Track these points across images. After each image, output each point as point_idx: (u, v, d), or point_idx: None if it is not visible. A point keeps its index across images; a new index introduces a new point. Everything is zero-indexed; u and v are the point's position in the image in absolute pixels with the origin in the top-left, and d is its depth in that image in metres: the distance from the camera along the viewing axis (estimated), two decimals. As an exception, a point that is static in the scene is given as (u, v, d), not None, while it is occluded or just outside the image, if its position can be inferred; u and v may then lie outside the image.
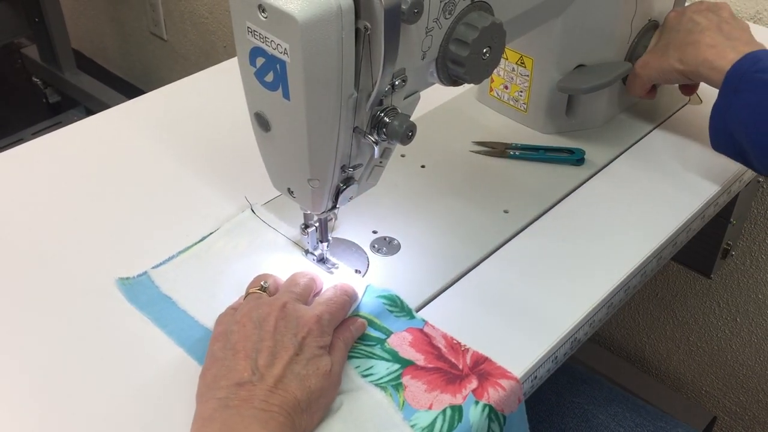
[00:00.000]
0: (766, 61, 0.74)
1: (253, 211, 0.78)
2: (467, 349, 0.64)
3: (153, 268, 0.72)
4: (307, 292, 0.65)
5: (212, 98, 0.98)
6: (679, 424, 0.88)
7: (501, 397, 0.61)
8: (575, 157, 0.87)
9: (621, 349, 1.53)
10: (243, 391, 0.55)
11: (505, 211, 0.80)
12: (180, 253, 0.74)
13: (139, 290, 0.70)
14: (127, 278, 0.71)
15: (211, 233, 0.76)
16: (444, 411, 0.60)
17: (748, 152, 0.75)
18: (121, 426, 0.60)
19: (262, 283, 0.66)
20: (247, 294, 0.65)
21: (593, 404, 0.87)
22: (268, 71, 0.57)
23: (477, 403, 0.60)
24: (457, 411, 0.60)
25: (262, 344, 0.58)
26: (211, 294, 0.70)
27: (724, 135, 0.77)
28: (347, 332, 0.64)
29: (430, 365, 0.63)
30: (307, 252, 0.74)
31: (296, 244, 0.75)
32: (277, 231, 0.76)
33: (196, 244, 0.75)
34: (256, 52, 0.57)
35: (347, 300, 0.65)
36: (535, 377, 0.66)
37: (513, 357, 0.65)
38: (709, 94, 0.99)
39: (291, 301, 0.62)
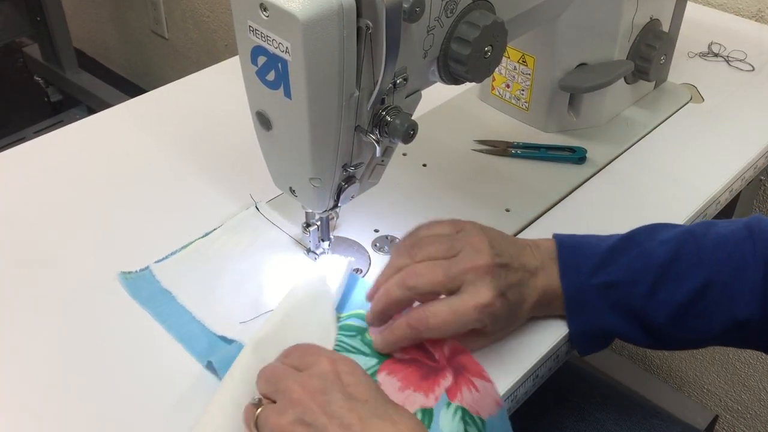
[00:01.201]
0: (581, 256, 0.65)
1: (257, 208, 0.78)
2: (445, 340, 0.63)
3: (155, 262, 0.73)
4: (285, 367, 0.56)
5: (214, 97, 0.98)
6: (676, 421, 0.88)
7: (475, 399, 0.59)
8: (577, 156, 0.87)
9: (623, 347, 1.53)
10: None
11: (507, 210, 0.80)
12: (183, 248, 0.75)
13: (141, 285, 0.71)
14: (129, 273, 0.72)
15: (214, 229, 0.76)
16: (414, 414, 0.58)
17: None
18: (122, 421, 0.60)
19: (253, 400, 0.56)
20: (255, 421, 0.54)
21: (590, 402, 0.86)
22: (269, 70, 0.57)
23: (449, 405, 0.59)
24: (428, 414, 0.58)
25: (330, 428, 0.50)
26: (211, 290, 0.70)
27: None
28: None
29: (406, 356, 0.62)
30: (308, 251, 0.74)
31: (298, 242, 0.75)
32: (281, 229, 0.76)
33: (198, 239, 0.75)
34: (257, 51, 0.57)
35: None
36: (537, 376, 0.66)
37: (515, 355, 0.65)
38: (711, 92, 0.99)
39: (291, 377, 0.54)
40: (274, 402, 0.54)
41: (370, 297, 0.65)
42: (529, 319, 0.67)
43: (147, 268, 0.72)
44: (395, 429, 0.51)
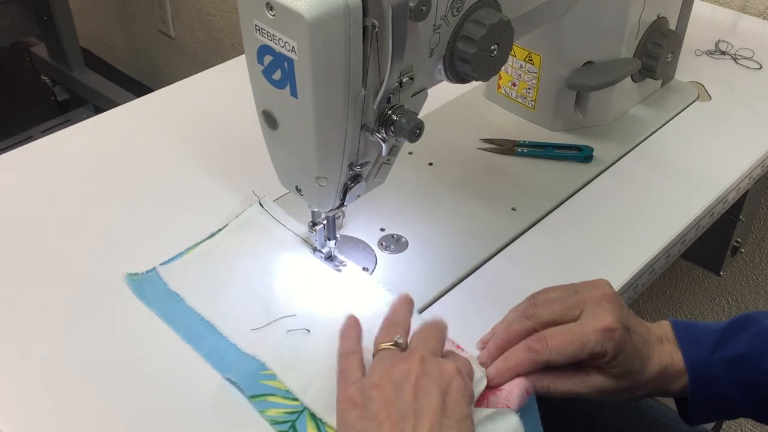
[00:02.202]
0: (702, 334, 0.63)
1: (261, 204, 0.78)
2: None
3: (161, 264, 0.73)
4: (442, 344, 0.58)
5: (220, 96, 0.99)
6: (682, 420, 0.87)
7: (500, 399, 0.59)
8: (583, 155, 0.87)
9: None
10: None
11: (513, 209, 0.80)
12: (188, 249, 0.74)
13: (147, 287, 0.71)
14: (136, 274, 0.72)
15: (219, 230, 0.77)
16: None
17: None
18: (128, 420, 0.60)
19: (396, 338, 0.58)
20: (378, 350, 0.58)
21: (596, 403, 0.86)
22: (275, 69, 0.57)
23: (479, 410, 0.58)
24: None
25: (406, 409, 0.51)
26: (219, 291, 0.70)
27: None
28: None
29: None
30: (315, 249, 0.74)
31: (305, 240, 0.75)
32: (285, 227, 0.76)
33: (204, 240, 0.75)
34: (263, 50, 0.57)
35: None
36: (544, 375, 0.66)
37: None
38: (718, 90, 0.99)
39: (428, 354, 0.55)
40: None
41: (484, 343, 0.64)
42: None
43: (153, 269, 0.72)
44: None
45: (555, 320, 0.60)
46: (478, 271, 0.73)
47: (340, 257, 0.73)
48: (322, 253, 0.73)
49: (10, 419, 0.60)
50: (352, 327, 0.60)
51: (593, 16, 0.83)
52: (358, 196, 0.67)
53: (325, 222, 0.71)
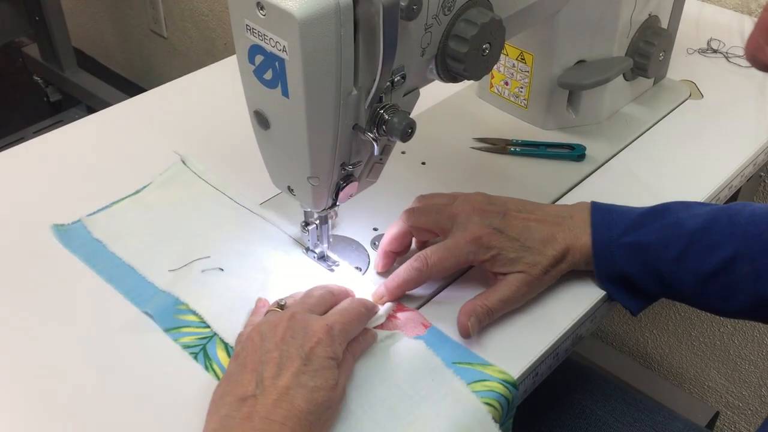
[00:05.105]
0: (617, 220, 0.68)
1: (183, 162, 0.83)
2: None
3: (88, 215, 0.77)
4: (322, 303, 0.63)
5: (212, 96, 0.98)
6: (678, 417, 0.88)
7: (396, 325, 0.67)
8: (576, 153, 0.87)
9: (623, 344, 1.53)
10: (245, 407, 0.54)
11: (506, 208, 0.80)
12: (113, 203, 0.79)
13: (73, 236, 0.75)
14: (62, 225, 0.76)
15: (144, 187, 0.80)
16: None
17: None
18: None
19: (278, 301, 0.65)
20: (266, 314, 0.64)
21: (591, 400, 0.86)
22: (266, 69, 0.57)
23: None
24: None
25: (268, 356, 0.56)
26: (140, 239, 0.74)
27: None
28: (356, 344, 0.62)
29: None
30: (307, 249, 0.74)
31: (297, 241, 0.75)
32: (278, 227, 0.76)
33: (129, 195, 0.80)
34: (254, 50, 0.57)
35: (364, 312, 0.63)
36: (536, 374, 0.66)
37: (514, 353, 0.65)
38: (710, 88, 0.99)
39: (301, 312, 0.61)
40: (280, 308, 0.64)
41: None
42: (526, 316, 0.67)
43: (79, 221, 0.77)
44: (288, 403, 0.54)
45: (427, 227, 0.70)
46: (471, 270, 0.73)
47: (333, 257, 0.73)
48: (315, 253, 0.73)
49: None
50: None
51: (585, 15, 0.83)
52: (351, 195, 0.67)
53: (317, 222, 0.71)
